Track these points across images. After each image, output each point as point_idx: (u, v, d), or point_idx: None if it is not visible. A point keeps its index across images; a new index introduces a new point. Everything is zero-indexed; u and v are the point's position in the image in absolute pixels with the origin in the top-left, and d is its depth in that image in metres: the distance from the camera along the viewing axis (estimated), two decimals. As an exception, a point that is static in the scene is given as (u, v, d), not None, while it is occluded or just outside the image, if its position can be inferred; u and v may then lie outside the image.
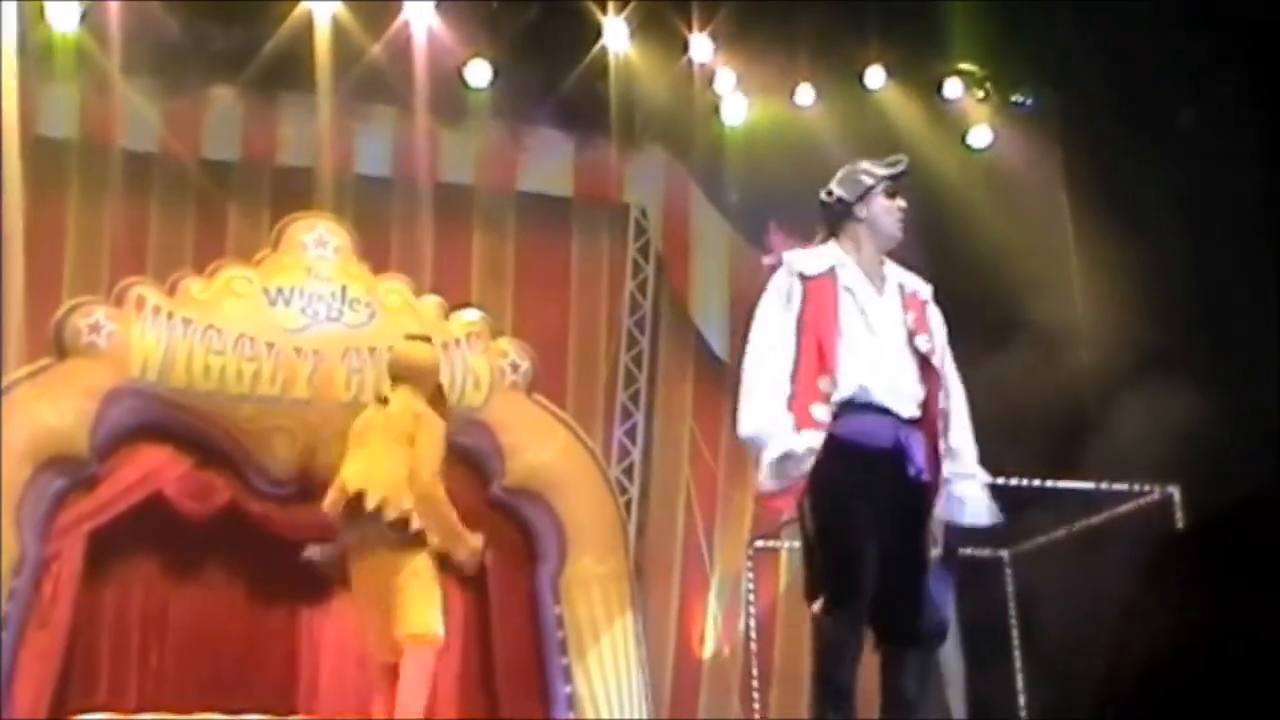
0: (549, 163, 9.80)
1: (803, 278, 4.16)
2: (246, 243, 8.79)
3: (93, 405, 7.79)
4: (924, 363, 4.17)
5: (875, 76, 9.77)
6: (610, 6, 8.99)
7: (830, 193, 4.36)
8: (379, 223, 9.12)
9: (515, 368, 8.58)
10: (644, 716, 8.20)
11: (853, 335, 4.09)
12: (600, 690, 8.16)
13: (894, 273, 4.34)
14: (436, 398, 6.38)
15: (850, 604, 3.97)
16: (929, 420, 4.13)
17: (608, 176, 9.78)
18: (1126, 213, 8.67)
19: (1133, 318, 8.23)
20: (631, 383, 9.63)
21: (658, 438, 9.56)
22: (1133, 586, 1.02)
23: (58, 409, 7.74)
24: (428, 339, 6.87)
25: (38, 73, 8.44)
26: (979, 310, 9.57)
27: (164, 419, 8.07)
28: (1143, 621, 1.00)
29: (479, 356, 8.46)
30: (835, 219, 4.34)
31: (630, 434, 9.47)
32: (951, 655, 8.36)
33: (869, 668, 4.22)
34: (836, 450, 3.99)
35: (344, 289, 8.42)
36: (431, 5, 8.77)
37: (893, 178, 4.36)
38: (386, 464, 5.95)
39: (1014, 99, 10.13)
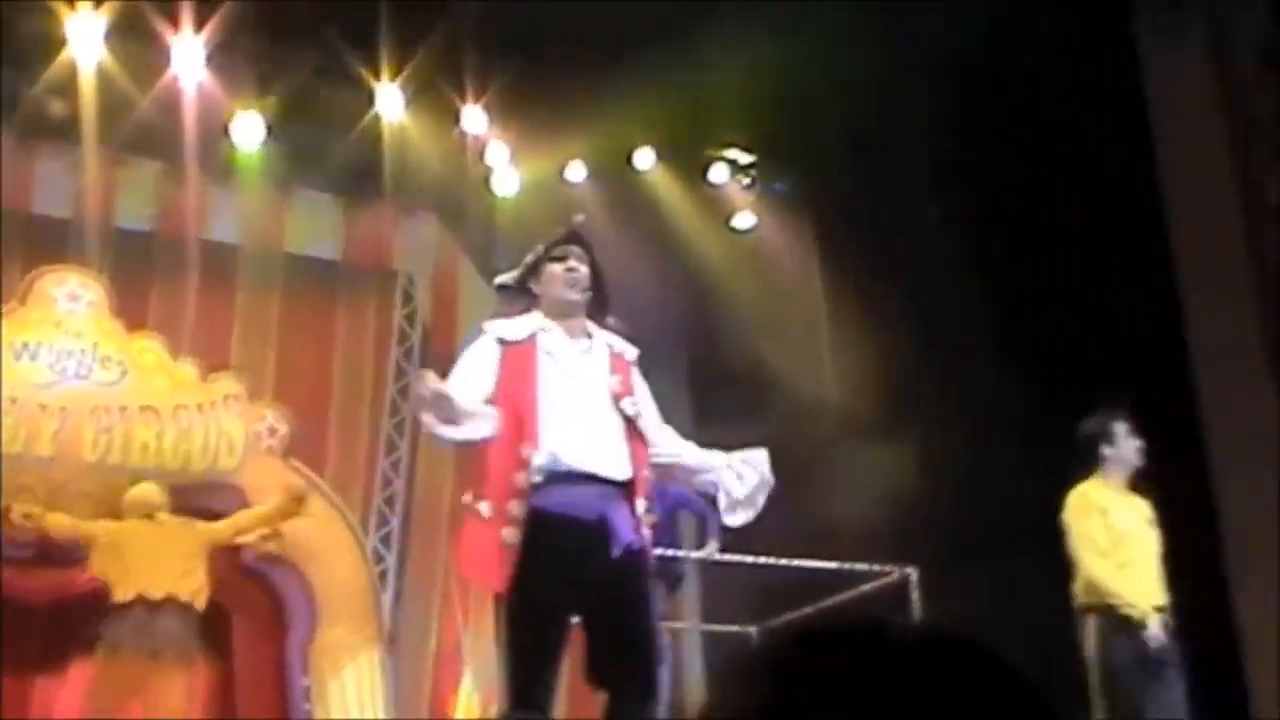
0: (318, 225, 9.69)
1: (502, 343, 4.05)
2: (-5, 294, 8.44)
3: None
4: (630, 425, 4.07)
5: (644, 158, 10.00)
6: (384, 74, 8.97)
7: (500, 285, 4.30)
8: (137, 279, 8.84)
9: (273, 432, 8.41)
10: (394, 790, 8.07)
11: (554, 401, 3.96)
12: (349, 764, 8.00)
13: (600, 336, 4.21)
14: None
15: (538, 702, 3.81)
16: (635, 484, 4.01)
17: (378, 242, 9.71)
18: (873, 298, 8.99)
19: (876, 398, 8.52)
20: (393, 450, 9.51)
21: (417, 506, 9.42)
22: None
23: None
24: None
25: None
26: (736, 385, 9.86)
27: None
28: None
29: (235, 420, 8.27)
30: (522, 298, 4.25)
31: (390, 502, 9.32)
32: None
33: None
34: (541, 524, 3.84)
35: (95, 345, 8.15)
36: (201, 59, 8.59)
37: (557, 243, 4.21)
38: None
39: (774, 185, 10.48)
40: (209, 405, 8.12)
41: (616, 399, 4.08)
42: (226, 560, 7.88)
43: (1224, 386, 7.65)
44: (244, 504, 8.10)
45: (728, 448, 9.66)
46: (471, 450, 4.13)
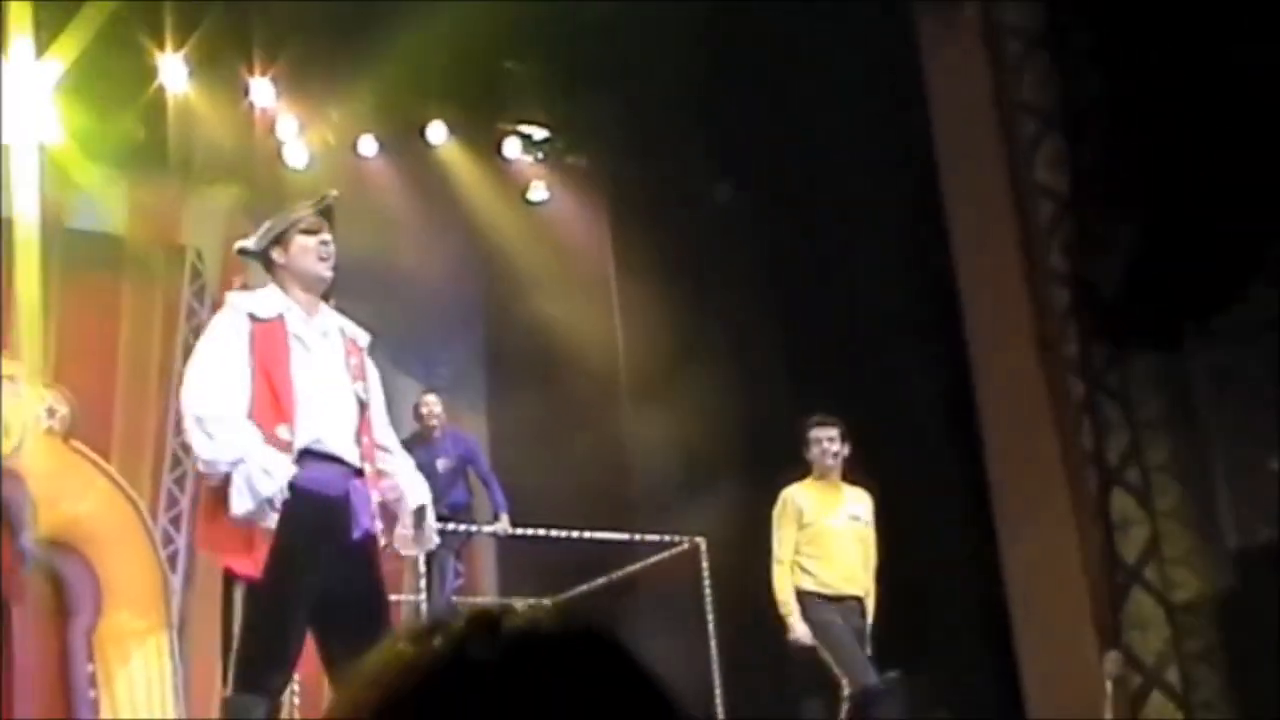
0: (102, 200, 9.38)
1: (253, 319, 3.93)
2: None
3: None
4: (363, 410, 4.04)
5: (437, 132, 9.89)
6: (168, 44, 8.71)
7: (241, 249, 4.16)
8: (-95, 256, 8.46)
9: (52, 413, 8.14)
10: (184, 776, 7.92)
11: (304, 383, 3.90)
12: (137, 750, 7.84)
13: (334, 319, 4.11)
14: None
15: (268, 686, 3.74)
16: (366, 466, 4.01)
17: (164, 217, 9.43)
18: (664, 271, 9.10)
19: (665, 370, 8.63)
20: (183, 429, 9.17)
21: (209, 485, 9.18)
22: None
23: None
24: None
25: None
26: (531, 361, 9.91)
27: None
28: None
29: (11, 400, 7.99)
30: (267, 270, 4.10)
31: (180, 482, 9.03)
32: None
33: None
34: (296, 499, 3.77)
35: None
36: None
37: (310, 215, 4.06)
38: None
39: (568, 160, 10.50)
40: (-16, 386, 7.82)
41: (353, 380, 4.05)
42: (5, 548, 7.63)
43: (994, 356, 7.92)
44: (24, 490, 7.84)
45: (523, 421, 9.75)
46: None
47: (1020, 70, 7.80)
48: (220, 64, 8.92)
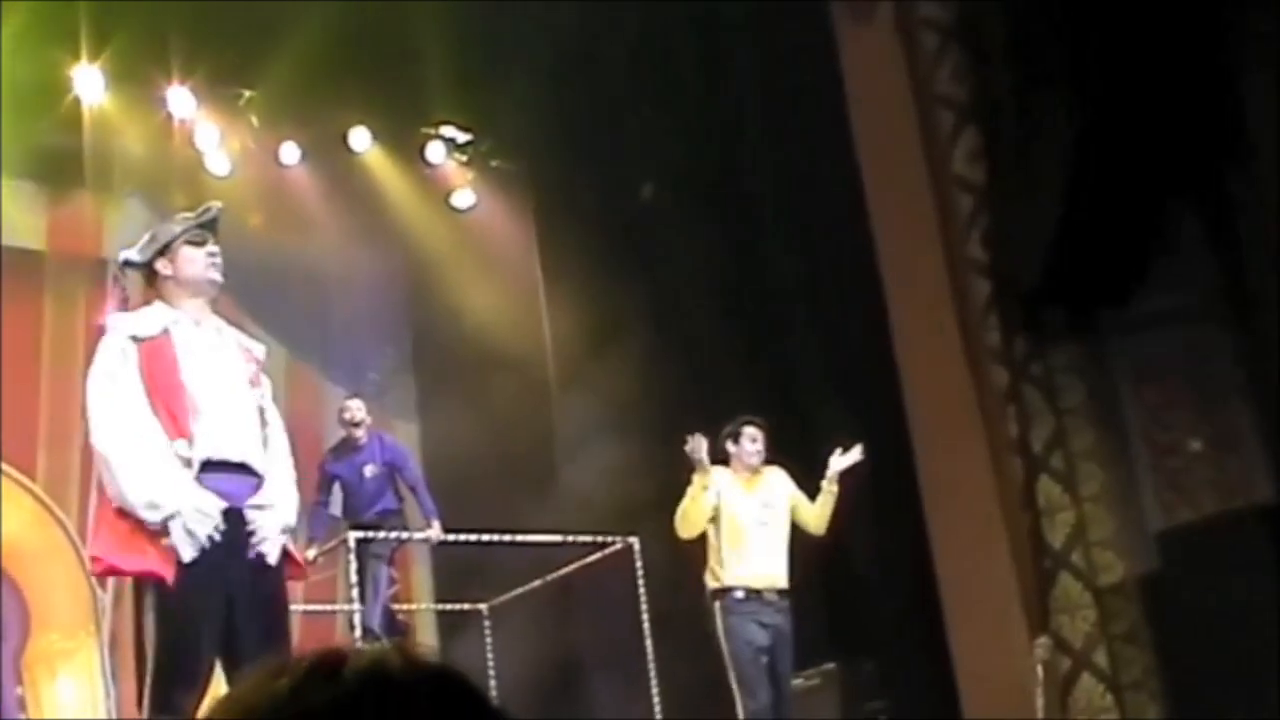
0: (20, 214, 9.24)
1: (135, 340, 3.87)
2: None
3: None
4: (262, 418, 4.02)
5: (360, 138, 9.83)
6: (83, 55, 8.58)
7: (125, 261, 4.13)
8: None
9: (-26, 434, 8.02)
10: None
11: (197, 392, 3.85)
12: (70, 773, 7.72)
13: (227, 329, 4.09)
14: None
15: (183, 706, 3.65)
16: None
17: (84, 231, 9.31)
18: (591, 273, 9.10)
19: (597, 371, 8.61)
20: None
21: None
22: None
23: None
24: None
25: None
26: (460, 366, 9.87)
27: None
28: None
29: (-68, 424, 7.85)
30: (148, 283, 4.06)
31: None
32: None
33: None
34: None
35: None
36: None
37: (196, 227, 4.00)
38: None
39: (492, 163, 10.46)
40: (-100, 408, 7.67)
41: (252, 388, 4.02)
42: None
43: (919, 348, 7.97)
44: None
45: (454, 425, 9.70)
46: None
47: (936, 64, 7.82)
48: (137, 74, 8.83)
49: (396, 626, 8.31)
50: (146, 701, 3.68)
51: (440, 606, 9.65)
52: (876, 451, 8.07)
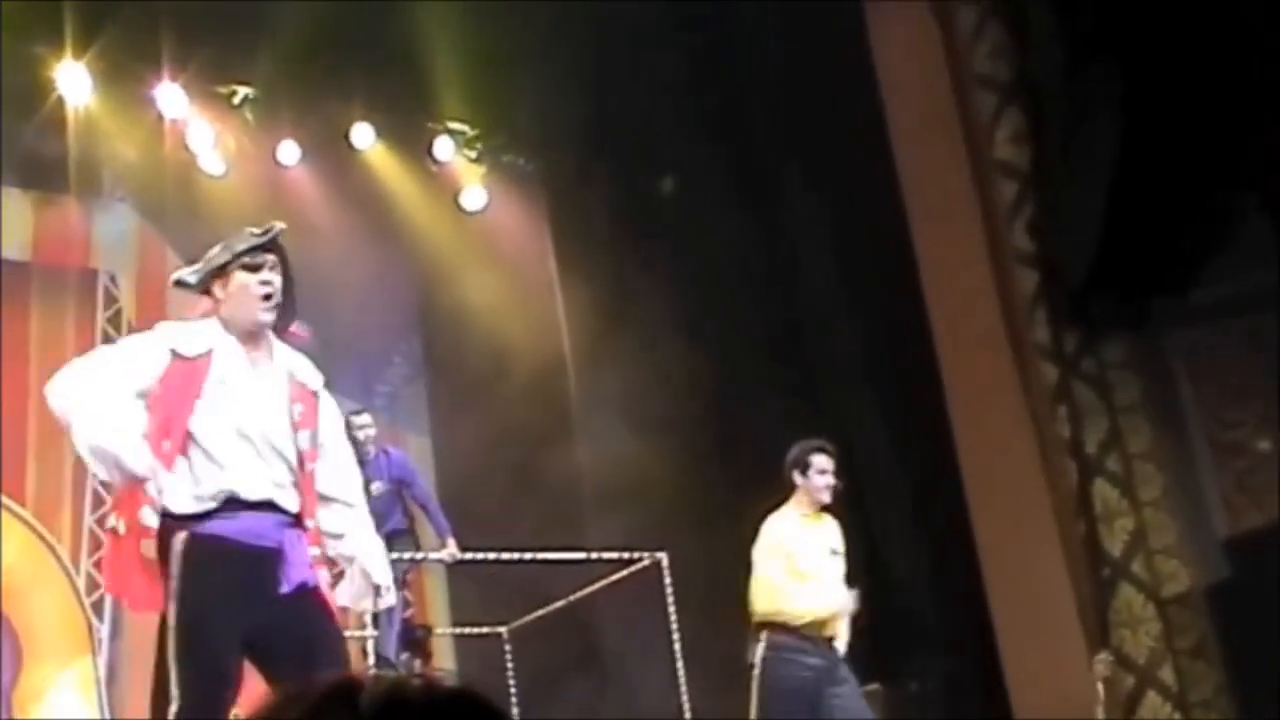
0: (4, 223, 9.25)
1: (174, 355, 3.86)
2: None
3: None
4: (303, 460, 3.99)
5: (362, 135, 9.80)
6: (68, 52, 8.57)
7: (177, 281, 4.06)
8: None
9: (-41, 458, 8.02)
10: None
11: (212, 428, 3.85)
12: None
13: (284, 358, 4.07)
14: None
15: None
16: (304, 519, 3.98)
17: (72, 239, 9.34)
18: (613, 271, 9.09)
19: (620, 378, 8.58)
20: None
21: (134, 526, 9.07)
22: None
23: None
24: None
25: None
26: (474, 375, 9.84)
27: None
28: None
29: (-86, 446, 7.87)
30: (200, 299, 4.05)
31: (103, 523, 8.82)
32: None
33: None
34: (215, 551, 3.76)
35: None
36: None
37: (252, 250, 3.95)
38: None
39: (504, 159, 10.43)
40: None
41: (295, 429, 3.99)
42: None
43: (961, 345, 7.92)
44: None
45: (469, 438, 9.65)
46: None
47: (975, 41, 7.78)
48: (125, 72, 8.82)
49: (417, 646, 8.28)
50: None
51: (457, 631, 9.63)
52: (918, 458, 8.04)
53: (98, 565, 8.80)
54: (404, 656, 7.93)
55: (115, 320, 9.51)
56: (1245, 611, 6.74)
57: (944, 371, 7.89)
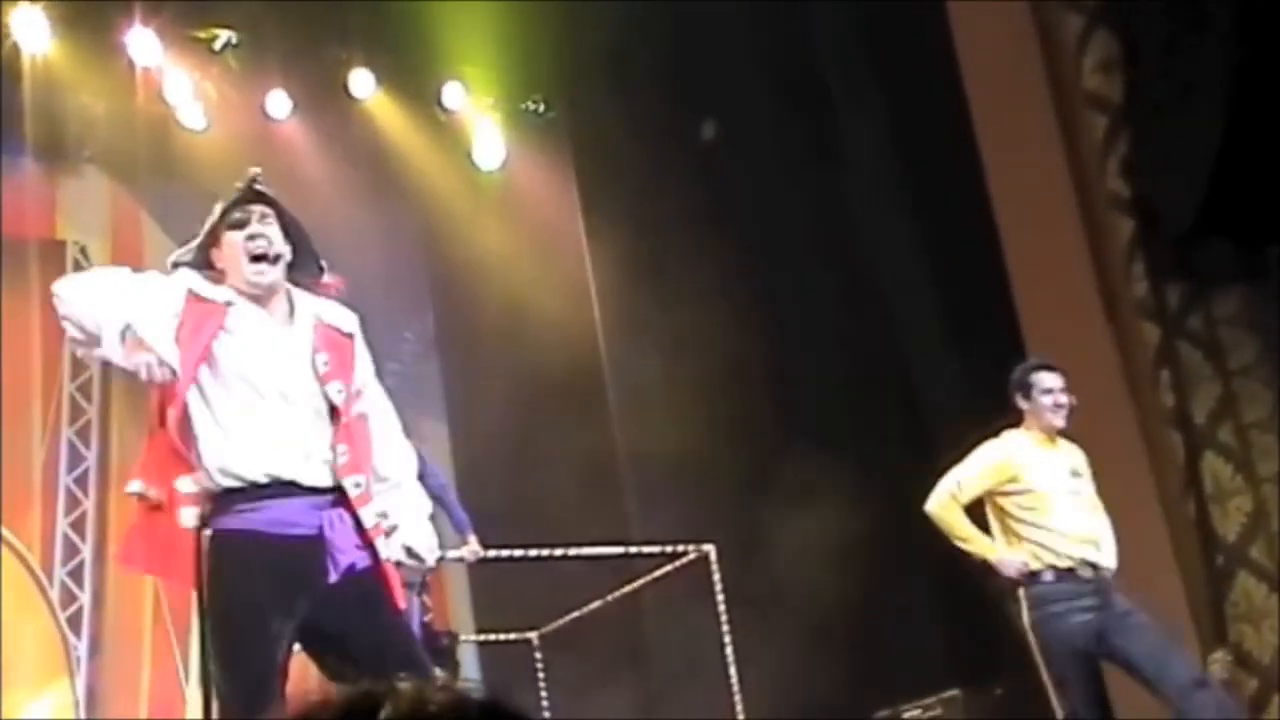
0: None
1: (192, 294, 3.82)
2: None
3: None
4: (335, 416, 3.88)
5: (361, 82, 9.65)
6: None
7: (174, 263, 3.99)
8: None
9: (-83, 455, 7.87)
10: None
11: (229, 396, 3.77)
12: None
13: (306, 305, 3.97)
14: None
15: None
16: (348, 474, 3.86)
17: (36, 206, 9.17)
18: (646, 231, 8.97)
19: (658, 352, 8.56)
20: (78, 462, 9.04)
21: (114, 528, 8.84)
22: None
23: None
24: None
25: None
26: (491, 351, 9.76)
27: None
28: None
29: None
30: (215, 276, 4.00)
31: (78, 526, 8.84)
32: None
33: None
34: (241, 548, 3.69)
35: None
36: None
37: (235, 203, 3.92)
38: None
39: (524, 106, 10.30)
40: None
41: (323, 382, 3.88)
42: None
43: (1047, 306, 7.75)
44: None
45: (490, 422, 9.62)
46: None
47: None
48: (89, 16, 8.65)
49: (442, 655, 8.21)
50: None
51: (482, 638, 9.53)
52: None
53: (74, 574, 8.69)
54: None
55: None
56: (1383, 602, 6.57)
57: (1027, 336, 7.76)
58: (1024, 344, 7.74)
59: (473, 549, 8.02)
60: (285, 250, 3.88)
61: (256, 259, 3.82)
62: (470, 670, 9.45)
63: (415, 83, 9.94)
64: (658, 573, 8.44)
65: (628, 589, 8.58)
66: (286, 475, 3.76)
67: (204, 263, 3.91)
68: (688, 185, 9.09)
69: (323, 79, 9.64)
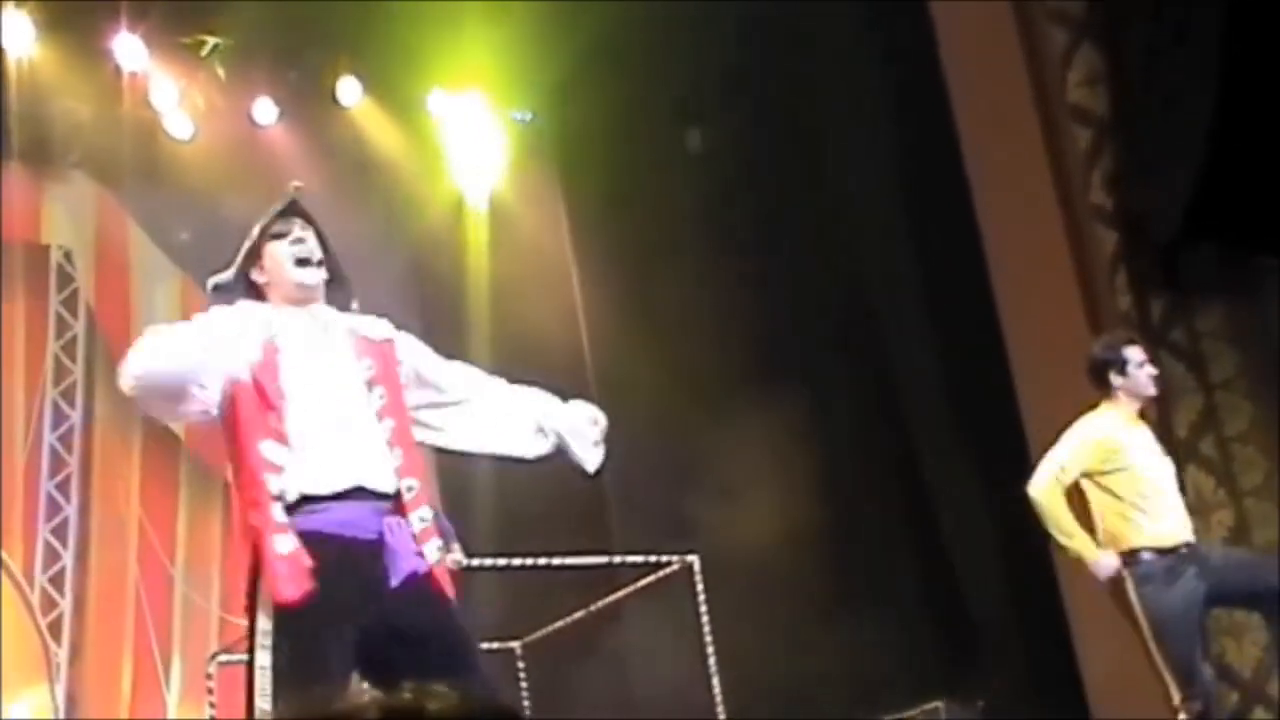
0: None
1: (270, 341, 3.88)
2: None
3: None
4: (382, 419, 3.95)
5: (348, 90, 9.67)
6: None
7: (215, 287, 4.08)
8: None
9: (-103, 459, 7.88)
10: None
11: (293, 408, 3.83)
12: None
13: (340, 321, 4.04)
14: None
15: None
16: (404, 477, 3.93)
17: (18, 212, 9.11)
18: (631, 241, 9.00)
19: (644, 364, 8.52)
20: (60, 469, 9.03)
21: (96, 534, 8.98)
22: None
23: None
24: None
25: None
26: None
27: None
28: None
29: None
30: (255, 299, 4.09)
31: (59, 532, 8.84)
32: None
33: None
34: (315, 546, 3.73)
35: None
36: None
37: (274, 220, 4.00)
38: None
39: (511, 114, 10.33)
40: None
41: (369, 387, 3.96)
42: None
43: (1030, 317, 7.79)
44: None
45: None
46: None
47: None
48: (75, 19, 8.66)
49: None
50: None
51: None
52: (986, 447, 7.91)
53: (55, 581, 8.69)
54: None
55: (71, 303, 9.37)
56: (1364, 616, 6.60)
57: (1011, 347, 7.81)
58: (1008, 356, 7.81)
59: (455, 558, 8.05)
60: (321, 260, 3.98)
61: (302, 262, 3.93)
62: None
63: (402, 90, 9.96)
64: (641, 583, 8.43)
65: (611, 598, 8.57)
66: (349, 483, 3.82)
67: (244, 284, 4.00)
68: (675, 195, 9.10)
69: (309, 86, 9.67)
